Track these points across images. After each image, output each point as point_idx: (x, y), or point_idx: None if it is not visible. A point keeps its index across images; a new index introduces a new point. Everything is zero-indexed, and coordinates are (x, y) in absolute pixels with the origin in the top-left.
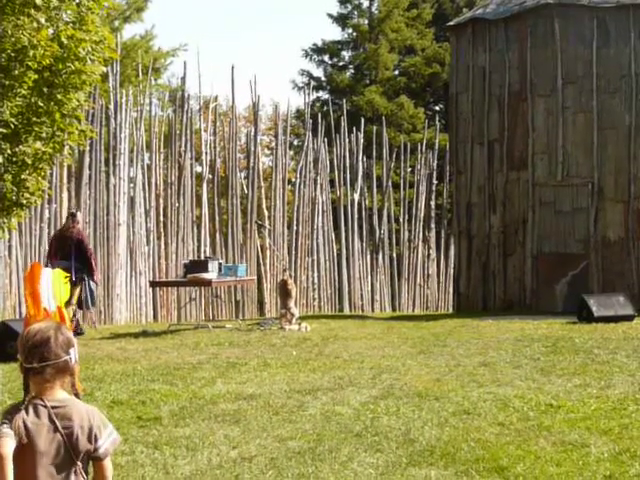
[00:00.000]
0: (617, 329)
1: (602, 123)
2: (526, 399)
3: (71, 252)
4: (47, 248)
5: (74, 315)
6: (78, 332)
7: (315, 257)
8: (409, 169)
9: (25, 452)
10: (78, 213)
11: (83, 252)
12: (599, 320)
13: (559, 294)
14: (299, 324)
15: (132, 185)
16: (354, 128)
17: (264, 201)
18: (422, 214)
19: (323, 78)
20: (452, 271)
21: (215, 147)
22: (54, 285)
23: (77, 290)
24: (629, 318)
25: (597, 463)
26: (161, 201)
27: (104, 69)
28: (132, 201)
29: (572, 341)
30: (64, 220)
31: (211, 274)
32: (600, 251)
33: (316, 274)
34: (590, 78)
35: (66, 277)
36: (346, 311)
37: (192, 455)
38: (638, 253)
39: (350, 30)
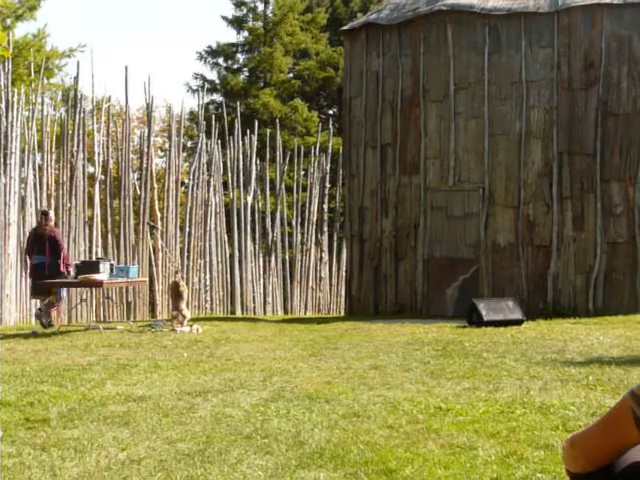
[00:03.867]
0: (506, 333)
1: (493, 129)
2: (415, 402)
3: (45, 248)
4: (25, 245)
5: (51, 307)
6: (50, 324)
7: (207, 259)
8: (302, 172)
9: None
10: (50, 212)
11: (56, 248)
12: (488, 324)
13: (450, 298)
14: (191, 326)
15: (23, 185)
16: (248, 131)
17: (157, 202)
18: (315, 217)
19: (217, 81)
20: (344, 274)
21: (108, 148)
22: None
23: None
24: (518, 322)
25: (484, 466)
26: (53, 201)
27: None
28: (23, 201)
29: (462, 345)
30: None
31: (102, 275)
32: (490, 256)
33: (208, 276)
34: (482, 84)
35: None
36: (238, 313)
37: (80, 457)
38: (527, 258)
39: (245, 33)
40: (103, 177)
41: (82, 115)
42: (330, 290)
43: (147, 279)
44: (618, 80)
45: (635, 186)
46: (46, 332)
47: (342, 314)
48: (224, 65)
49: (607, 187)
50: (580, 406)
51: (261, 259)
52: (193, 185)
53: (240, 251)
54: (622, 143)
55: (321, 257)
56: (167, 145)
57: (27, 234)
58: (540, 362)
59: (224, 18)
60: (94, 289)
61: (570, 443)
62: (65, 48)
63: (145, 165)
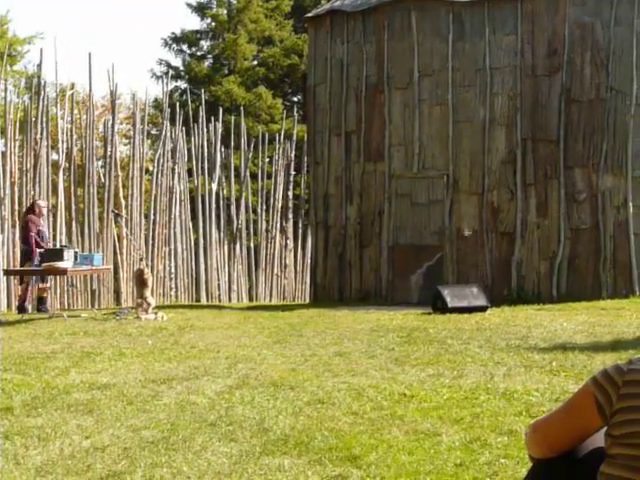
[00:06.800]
0: (470, 320)
1: (457, 116)
2: (380, 389)
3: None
4: None
5: (25, 291)
6: (23, 309)
7: (172, 247)
8: (267, 159)
9: None
10: (38, 201)
11: (24, 236)
12: (453, 311)
13: (414, 285)
14: (155, 314)
15: None
16: (212, 118)
17: (121, 190)
18: (280, 204)
19: (182, 68)
20: (309, 261)
21: (72, 135)
22: None
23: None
24: (482, 309)
25: (448, 451)
26: (16, 189)
27: None
28: None
29: (426, 331)
30: None
31: (67, 263)
32: (455, 243)
33: (173, 264)
34: (446, 71)
35: None
36: (203, 301)
37: (44, 445)
38: (492, 245)
39: (209, 20)
40: (67, 165)
41: (46, 102)
42: (295, 277)
43: (111, 267)
44: (581, 67)
45: (598, 173)
46: (10, 320)
47: (307, 301)
48: (188, 52)
49: (570, 174)
50: (544, 392)
51: (226, 246)
52: (157, 172)
53: (205, 238)
54: (585, 130)
55: (286, 244)
56: (131, 132)
57: None
58: (504, 348)
59: (188, 5)
60: (58, 277)
61: (532, 428)
62: (26, 35)
63: (109, 153)
